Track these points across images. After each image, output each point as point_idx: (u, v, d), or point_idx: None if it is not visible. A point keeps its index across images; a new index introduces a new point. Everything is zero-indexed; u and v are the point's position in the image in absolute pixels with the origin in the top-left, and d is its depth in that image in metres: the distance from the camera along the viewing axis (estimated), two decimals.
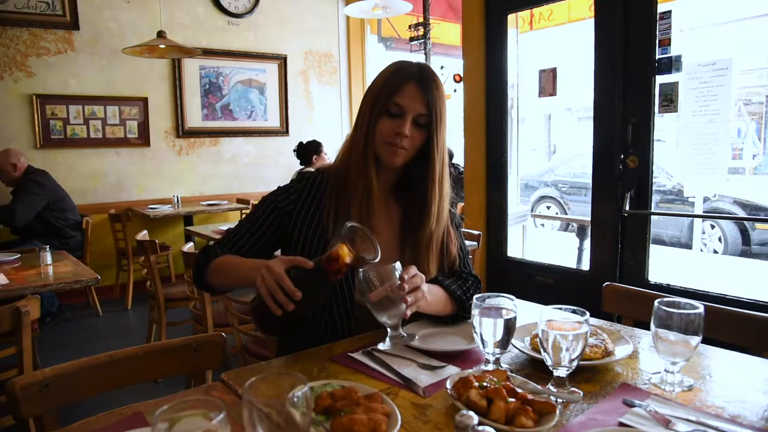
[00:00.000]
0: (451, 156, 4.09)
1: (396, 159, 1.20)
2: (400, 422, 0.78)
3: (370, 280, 1.04)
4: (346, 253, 0.96)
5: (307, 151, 4.23)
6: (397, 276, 1.04)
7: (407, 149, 1.19)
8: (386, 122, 1.18)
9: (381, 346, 1.06)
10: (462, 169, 3.84)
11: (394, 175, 1.28)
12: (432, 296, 1.14)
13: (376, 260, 1.02)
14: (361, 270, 1.04)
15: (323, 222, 1.23)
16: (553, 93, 3.22)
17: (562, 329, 0.88)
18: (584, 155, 6.95)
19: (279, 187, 1.31)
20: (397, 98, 1.17)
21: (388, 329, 1.07)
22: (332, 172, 1.28)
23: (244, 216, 1.33)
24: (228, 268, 1.18)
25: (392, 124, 1.17)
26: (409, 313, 1.04)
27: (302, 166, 4.29)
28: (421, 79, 1.17)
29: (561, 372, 0.90)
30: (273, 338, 1.77)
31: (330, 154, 4.40)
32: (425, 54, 5.08)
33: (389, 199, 1.31)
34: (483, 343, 0.97)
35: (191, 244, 2.85)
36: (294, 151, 4.36)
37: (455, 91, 4.80)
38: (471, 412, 0.69)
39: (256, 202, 1.33)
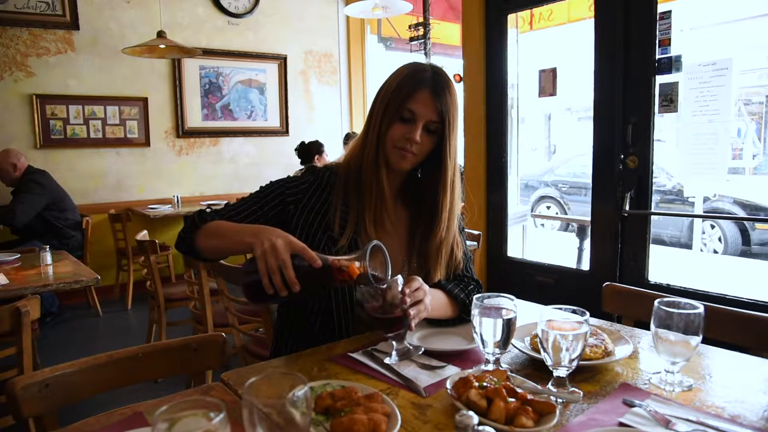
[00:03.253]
0: None
1: (405, 163, 1.20)
2: (400, 422, 0.78)
3: (372, 294, 1.02)
4: (359, 271, 0.96)
5: (310, 151, 4.23)
6: (399, 290, 1.02)
7: (416, 154, 1.19)
8: (397, 127, 1.18)
9: (388, 360, 1.04)
10: (462, 170, 3.82)
11: (401, 178, 1.29)
12: (434, 301, 1.14)
13: (383, 286, 1.00)
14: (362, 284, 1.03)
15: (329, 218, 1.22)
16: (553, 93, 3.22)
17: (562, 329, 0.88)
18: (584, 155, 6.95)
19: (288, 176, 1.30)
20: (410, 104, 1.16)
21: (393, 343, 1.05)
22: (342, 170, 1.28)
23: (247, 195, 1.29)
24: (225, 231, 1.13)
25: (403, 130, 1.17)
26: (413, 325, 1.04)
27: (303, 166, 4.29)
28: (435, 85, 1.17)
29: (561, 372, 0.90)
30: (270, 336, 1.77)
31: (331, 154, 4.40)
32: (425, 54, 5.08)
33: (397, 201, 1.31)
34: (483, 343, 0.97)
35: None
36: (295, 150, 4.36)
37: None
38: (471, 412, 0.69)
39: (263, 184, 1.29)
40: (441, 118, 1.17)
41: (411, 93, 1.16)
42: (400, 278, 1.03)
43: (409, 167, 1.22)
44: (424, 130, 1.17)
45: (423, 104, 1.16)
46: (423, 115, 1.16)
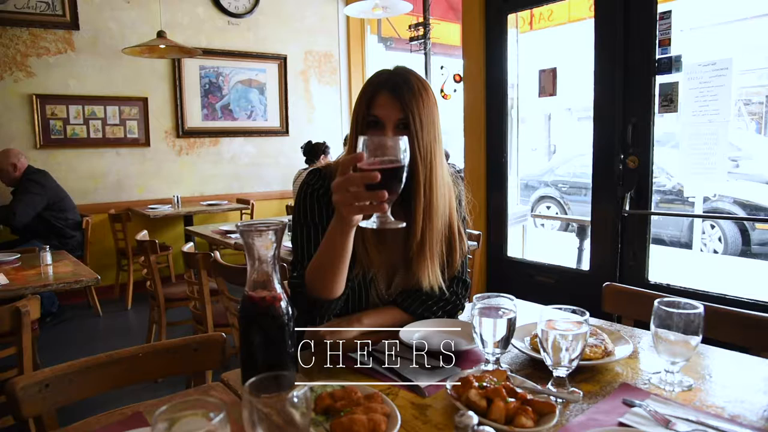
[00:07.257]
0: (447, 157, 4.07)
1: None
2: (399, 422, 0.78)
3: (368, 150, 0.90)
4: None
5: (316, 151, 4.25)
6: (401, 152, 0.90)
7: None
8: (371, 135, 1.18)
9: (363, 224, 0.96)
10: (458, 168, 3.81)
11: None
12: (381, 317, 1.21)
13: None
14: (362, 138, 0.91)
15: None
16: (553, 93, 3.22)
17: (562, 329, 0.88)
18: (584, 155, 6.95)
19: (302, 187, 1.29)
20: (374, 110, 1.17)
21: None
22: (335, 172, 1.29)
23: (292, 235, 1.29)
24: (319, 265, 1.10)
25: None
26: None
27: (307, 165, 4.30)
28: (393, 84, 1.16)
29: (561, 372, 0.90)
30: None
31: (332, 156, 4.41)
32: (425, 54, 5.08)
33: (396, 207, 1.30)
34: (483, 343, 0.97)
35: (191, 244, 2.85)
36: (302, 148, 4.37)
37: (455, 91, 4.79)
38: (471, 412, 0.69)
39: (290, 216, 1.29)
40: (405, 113, 1.15)
41: (372, 99, 1.17)
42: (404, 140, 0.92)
43: None
44: (397, 129, 1.16)
45: (384, 106, 1.16)
46: (389, 117, 1.16)
